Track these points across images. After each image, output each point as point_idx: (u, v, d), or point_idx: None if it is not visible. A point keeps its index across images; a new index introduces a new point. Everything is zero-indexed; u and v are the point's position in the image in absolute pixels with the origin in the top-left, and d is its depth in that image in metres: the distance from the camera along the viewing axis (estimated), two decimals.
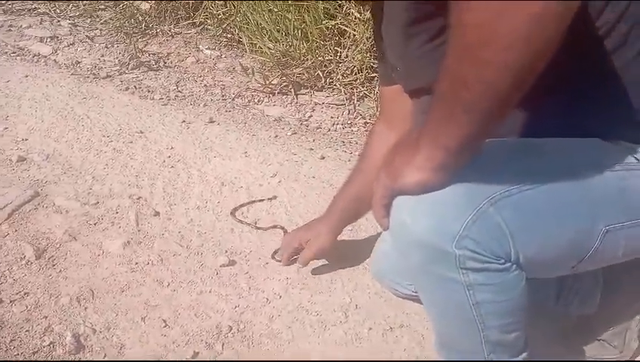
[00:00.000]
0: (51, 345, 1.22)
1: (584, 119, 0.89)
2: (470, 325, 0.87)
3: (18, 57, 2.59)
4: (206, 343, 1.26)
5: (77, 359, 1.20)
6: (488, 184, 0.80)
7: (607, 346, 1.21)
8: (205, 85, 2.46)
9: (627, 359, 1.20)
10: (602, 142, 0.90)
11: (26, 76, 2.41)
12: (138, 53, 2.60)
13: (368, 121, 2.20)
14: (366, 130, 2.17)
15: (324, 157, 1.95)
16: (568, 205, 0.84)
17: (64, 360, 1.19)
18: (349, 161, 1.91)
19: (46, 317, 1.28)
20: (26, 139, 1.97)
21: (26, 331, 1.25)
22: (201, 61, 2.65)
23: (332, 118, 2.24)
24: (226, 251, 1.52)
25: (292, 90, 2.36)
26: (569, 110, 0.90)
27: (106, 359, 1.21)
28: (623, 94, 0.87)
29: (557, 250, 0.85)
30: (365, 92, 2.27)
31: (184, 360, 1.21)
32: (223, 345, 1.26)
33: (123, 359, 1.21)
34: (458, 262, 0.80)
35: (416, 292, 1.24)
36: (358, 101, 2.28)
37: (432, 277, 0.84)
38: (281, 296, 1.39)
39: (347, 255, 1.51)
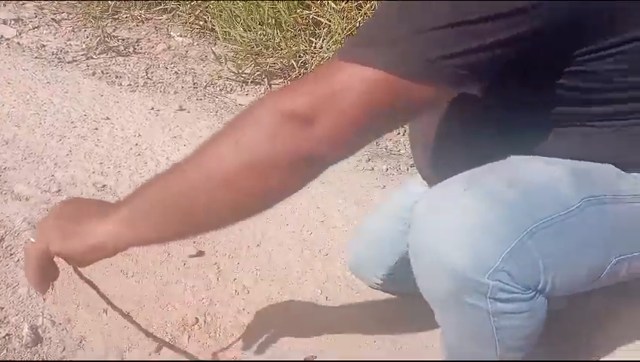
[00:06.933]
0: (7, 337, 1.16)
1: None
2: (488, 346, 0.87)
3: None
4: (171, 336, 1.22)
5: (34, 351, 1.15)
6: (528, 211, 0.78)
7: (575, 343, 1.21)
8: (176, 72, 2.39)
9: (595, 357, 1.21)
10: (616, 169, 0.88)
11: None
12: (106, 38, 2.51)
13: None
14: None
15: None
16: (594, 235, 0.83)
17: (20, 353, 1.14)
18: None
19: (2, 308, 1.23)
20: None
21: None
22: (173, 48, 2.58)
23: None
24: (195, 241, 1.47)
25: (265, 79, 2.32)
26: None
27: (65, 352, 1.16)
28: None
29: (576, 281, 0.85)
30: None
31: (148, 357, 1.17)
32: (189, 337, 1.22)
33: (83, 352, 1.16)
34: (490, 292, 0.78)
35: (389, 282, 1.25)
36: None
37: (457, 302, 0.82)
38: (250, 288, 1.36)
39: (321, 248, 1.49)
